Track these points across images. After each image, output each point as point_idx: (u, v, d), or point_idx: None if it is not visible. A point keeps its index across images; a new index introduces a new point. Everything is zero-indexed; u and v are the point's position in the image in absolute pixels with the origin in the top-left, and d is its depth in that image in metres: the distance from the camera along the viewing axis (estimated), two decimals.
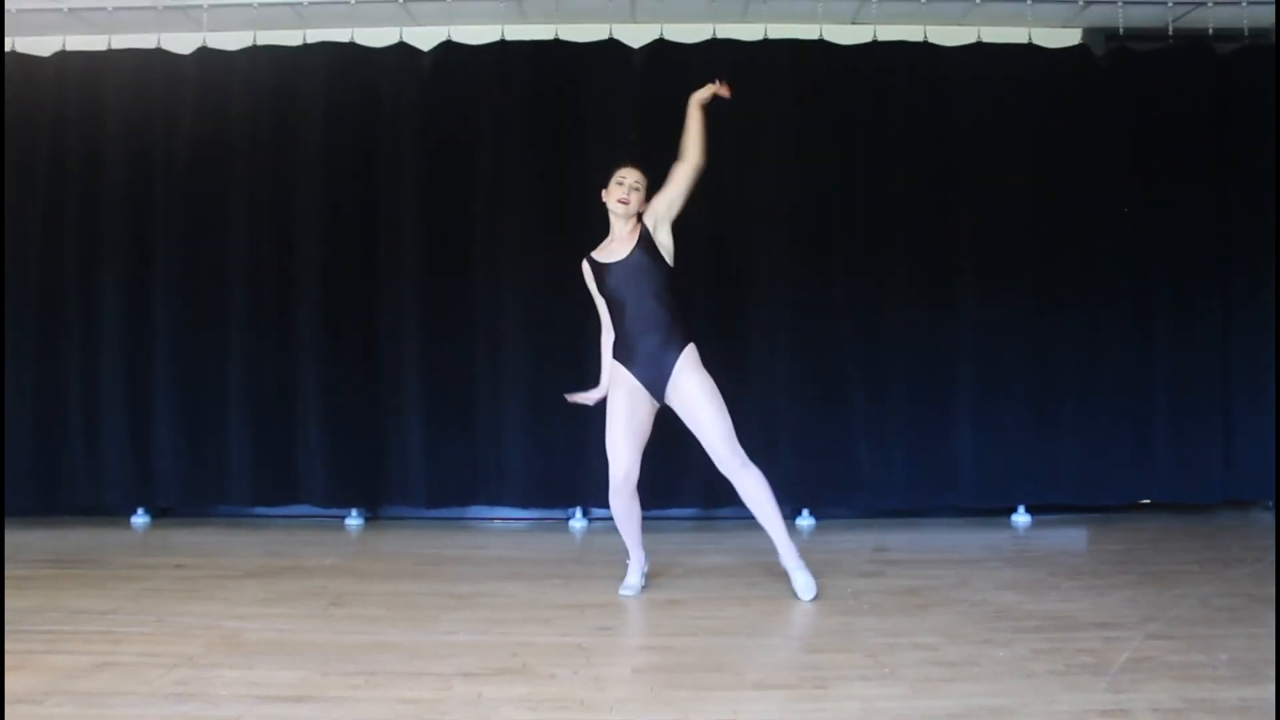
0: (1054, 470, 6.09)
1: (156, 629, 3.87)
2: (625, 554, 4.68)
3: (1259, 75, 6.07)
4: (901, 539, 5.66)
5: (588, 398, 4.60)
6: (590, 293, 4.54)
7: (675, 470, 5.98)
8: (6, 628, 3.83)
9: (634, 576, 4.56)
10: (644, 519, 5.98)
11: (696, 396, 4.34)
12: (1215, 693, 3.09)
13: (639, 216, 4.42)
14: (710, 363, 5.92)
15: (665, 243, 4.38)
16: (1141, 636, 3.68)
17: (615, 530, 5.89)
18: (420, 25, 6.27)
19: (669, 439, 5.94)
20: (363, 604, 4.27)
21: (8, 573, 4.78)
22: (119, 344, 6.08)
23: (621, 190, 4.41)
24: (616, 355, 4.42)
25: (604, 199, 4.44)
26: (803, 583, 4.30)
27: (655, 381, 4.36)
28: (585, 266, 4.51)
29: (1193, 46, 6.16)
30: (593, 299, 4.55)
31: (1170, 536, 5.66)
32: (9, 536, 5.65)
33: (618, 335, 4.41)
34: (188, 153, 6.08)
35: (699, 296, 5.94)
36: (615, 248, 4.42)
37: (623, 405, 4.36)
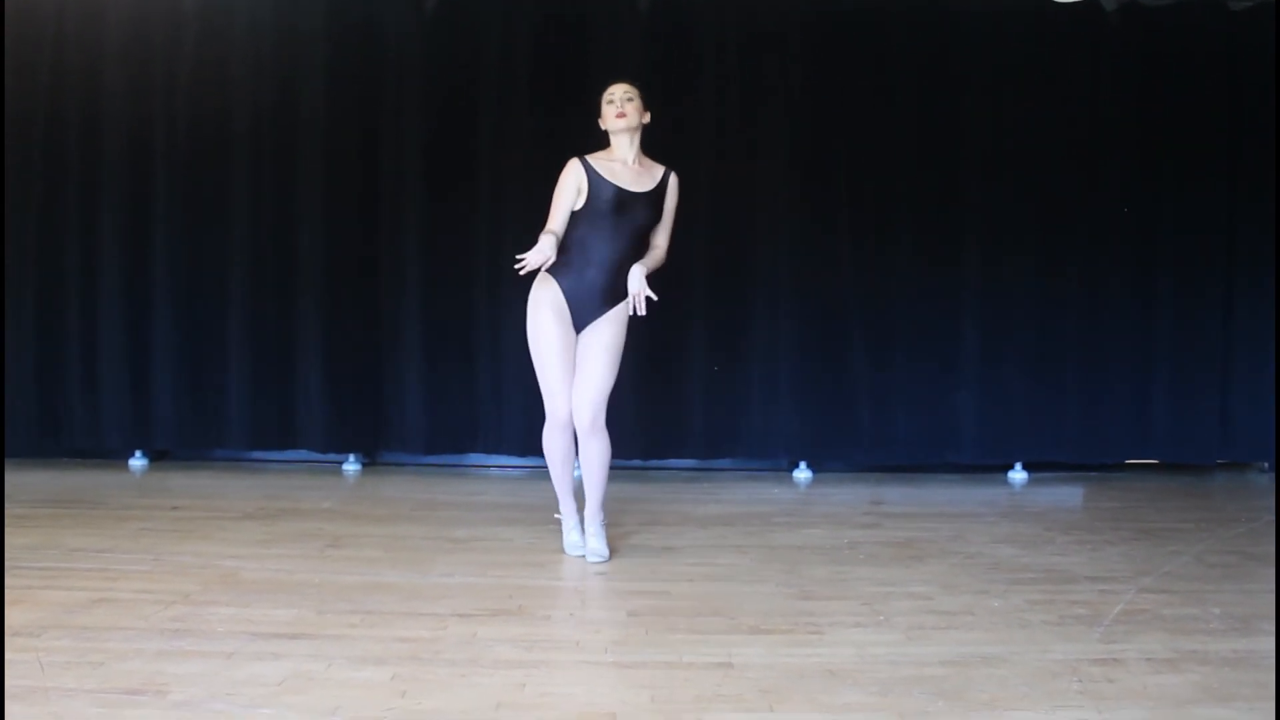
0: (1053, 429, 6.09)
1: (154, 567, 3.88)
2: (584, 506, 4.27)
3: (1273, 33, 5.99)
4: (898, 493, 5.67)
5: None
6: (559, 191, 4.06)
7: (674, 421, 6.00)
8: (6, 564, 3.84)
9: (576, 533, 4.23)
10: (641, 469, 6.07)
11: (611, 346, 4.05)
12: (1207, 644, 3.11)
13: (656, 161, 4.19)
14: (711, 317, 5.95)
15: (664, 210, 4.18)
16: (1135, 590, 3.70)
17: (612, 478, 5.89)
18: None
19: (668, 390, 5.97)
20: (359, 546, 4.28)
21: (7, 511, 4.79)
22: (119, 286, 6.04)
23: (614, 106, 4.08)
24: (555, 268, 4.00)
25: (601, 125, 4.12)
26: (595, 547, 4.11)
27: (584, 311, 4.04)
28: (579, 167, 4.05)
29: (1205, 3, 6.08)
30: (555, 198, 4.07)
31: (1166, 495, 5.67)
32: (8, 476, 5.64)
33: (574, 252, 4.02)
34: (188, 95, 6.01)
35: (703, 252, 5.91)
36: (621, 172, 4.06)
37: (554, 328, 4.02)
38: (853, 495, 5.61)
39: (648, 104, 4.17)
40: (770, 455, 6.14)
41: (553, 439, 4.14)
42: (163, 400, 6.05)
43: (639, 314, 4.02)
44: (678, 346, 5.97)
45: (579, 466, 4.17)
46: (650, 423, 5.97)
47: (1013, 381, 6.08)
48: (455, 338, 5.99)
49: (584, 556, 4.11)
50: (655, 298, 4.01)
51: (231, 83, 6.01)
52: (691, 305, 5.94)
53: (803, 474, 6.09)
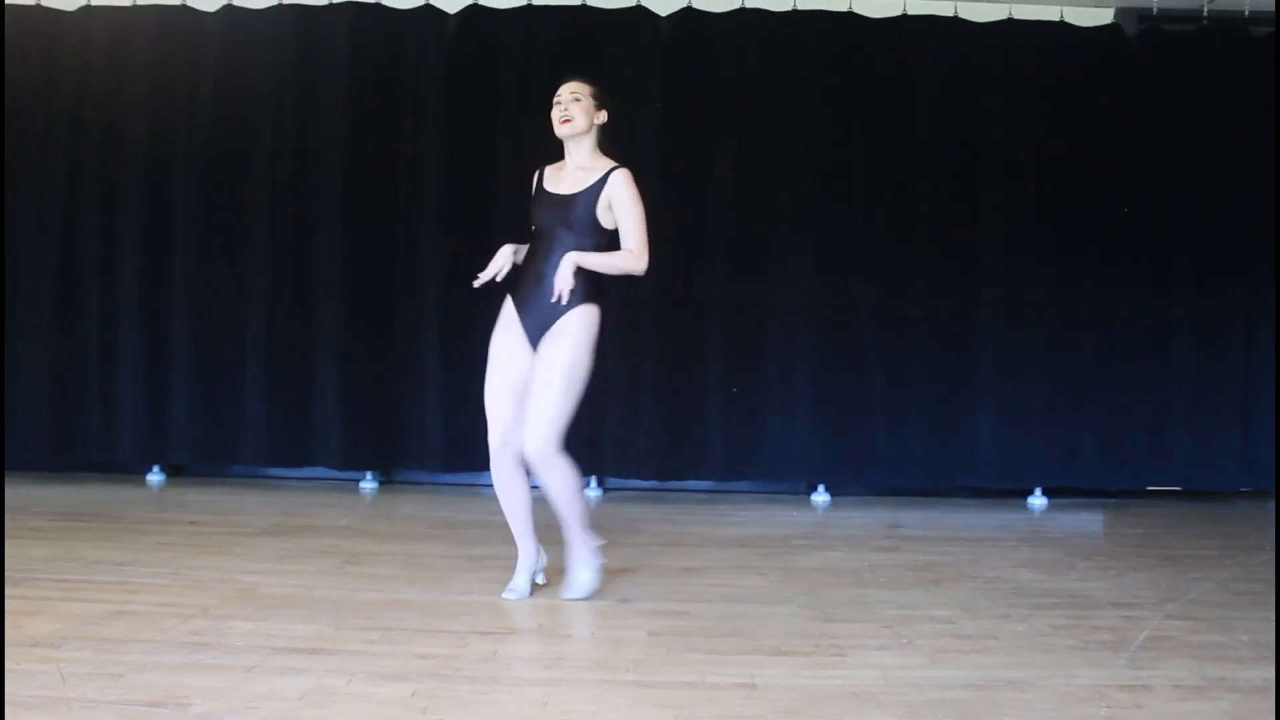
0: (1071, 454, 6.06)
1: (172, 581, 3.88)
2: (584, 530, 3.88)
3: None
4: (915, 517, 5.64)
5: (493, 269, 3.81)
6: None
7: (691, 443, 5.98)
8: (23, 575, 3.85)
9: (520, 576, 3.83)
10: (657, 490, 6.05)
11: (559, 364, 3.66)
12: (1236, 672, 3.06)
13: (612, 158, 3.83)
14: (729, 338, 5.93)
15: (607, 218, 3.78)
16: (1160, 616, 3.66)
17: (629, 499, 5.95)
18: None
19: (685, 411, 5.96)
20: (377, 563, 4.27)
21: (24, 524, 4.81)
22: (137, 302, 6.07)
23: (559, 109, 3.77)
24: (511, 287, 3.83)
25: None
26: (573, 578, 3.81)
27: (532, 319, 3.75)
28: (535, 177, 3.91)
29: (1227, 29, 6.09)
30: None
31: (1187, 522, 5.63)
32: (24, 490, 5.68)
33: (523, 265, 3.81)
34: (210, 110, 6.06)
35: (719, 272, 5.93)
36: (564, 177, 3.81)
37: (499, 339, 3.80)
38: (870, 518, 5.58)
39: (603, 102, 3.83)
40: (788, 477, 6.12)
41: (493, 470, 3.84)
42: (180, 416, 6.07)
43: (560, 302, 3.64)
44: (695, 367, 5.96)
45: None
46: (667, 444, 5.96)
47: (1031, 405, 6.05)
48: (474, 357, 5.93)
49: (515, 600, 3.75)
50: (569, 290, 3.62)
51: (252, 99, 6.05)
52: (708, 326, 5.95)
53: (820, 497, 6.07)
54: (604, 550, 3.90)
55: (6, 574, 3.84)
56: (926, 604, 3.80)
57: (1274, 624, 3.56)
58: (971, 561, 4.55)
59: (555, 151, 3.90)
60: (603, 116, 3.83)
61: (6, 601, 3.49)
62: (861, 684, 2.90)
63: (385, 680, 2.86)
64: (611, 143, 3.89)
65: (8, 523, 4.78)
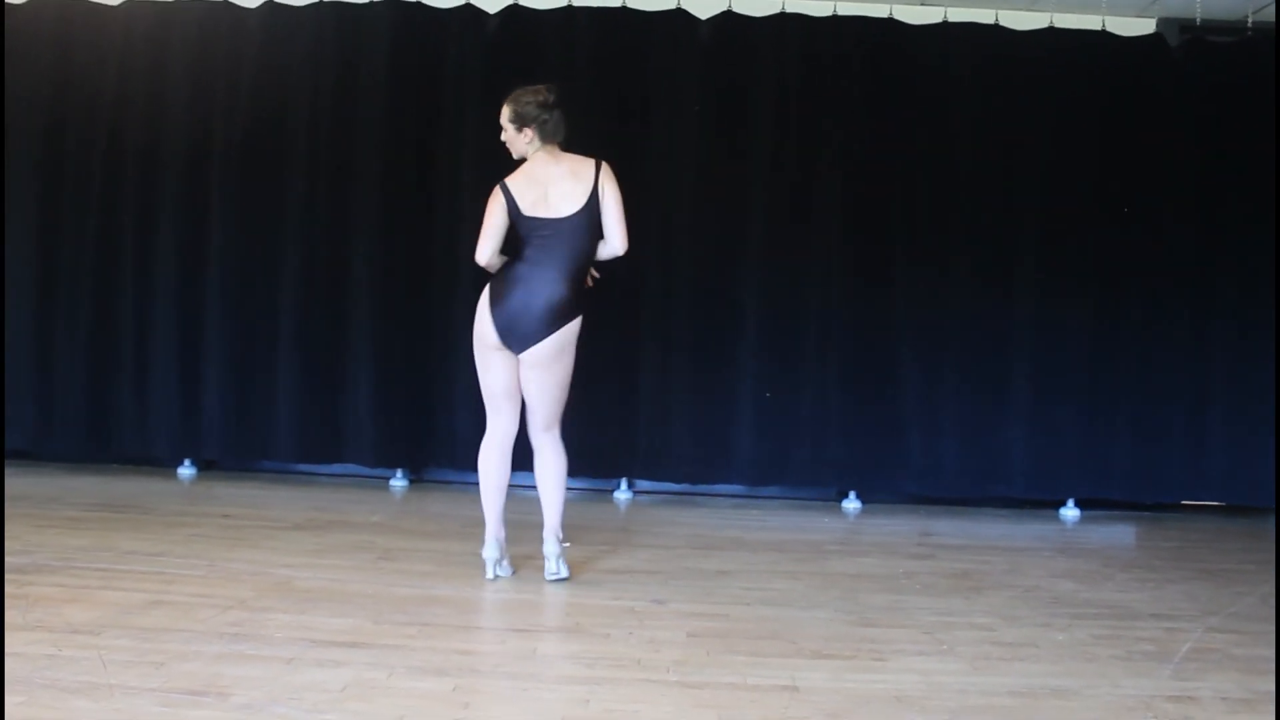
0: (1106, 466, 5.98)
1: (208, 572, 3.89)
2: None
3: None
4: (949, 525, 5.60)
5: None
6: None
7: (724, 446, 5.95)
8: (61, 564, 3.88)
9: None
10: (687, 493, 6.05)
11: None
12: None
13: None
14: (764, 343, 5.91)
15: None
16: (1202, 629, 3.62)
17: (659, 502, 5.94)
18: None
19: (715, 413, 5.94)
20: (411, 560, 4.27)
21: (59, 514, 4.85)
22: (173, 296, 6.08)
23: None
24: None
25: None
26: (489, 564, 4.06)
27: None
28: None
29: (1271, 40, 6.01)
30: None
31: (1224, 537, 5.56)
32: (59, 480, 5.71)
33: None
34: (249, 107, 6.06)
35: (754, 276, 5.91)
36: None
37: None
38: (903, 526, 5.54)
39: (523, 117, 3.98)
40: (819, 484, 6.08)
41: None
42: (212, 410, 6.07)
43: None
44: (728, 372, 5.94)
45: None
46: (698, 447, 5.94)
47: (1065, 416, 5.98)
48: None
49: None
50: None
51: (292, 96, 6.06)
52: (743, 330, 5.92)
53: (852, 504, 6.03)
54: (488, 558, 4.06)
55: (45, 562, 3.87)
56: (965, 611, 3.77)
57: None
58: (1008, 570, 4.51)
59: (595, 152, 3.97)
60: (527, 135, 3.98)
61: (45, 588, 3.52)
62: (904, 689, 2.88)
63: (426, 675, 2.85)
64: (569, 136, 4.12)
65: (45, 513, 4.83)
